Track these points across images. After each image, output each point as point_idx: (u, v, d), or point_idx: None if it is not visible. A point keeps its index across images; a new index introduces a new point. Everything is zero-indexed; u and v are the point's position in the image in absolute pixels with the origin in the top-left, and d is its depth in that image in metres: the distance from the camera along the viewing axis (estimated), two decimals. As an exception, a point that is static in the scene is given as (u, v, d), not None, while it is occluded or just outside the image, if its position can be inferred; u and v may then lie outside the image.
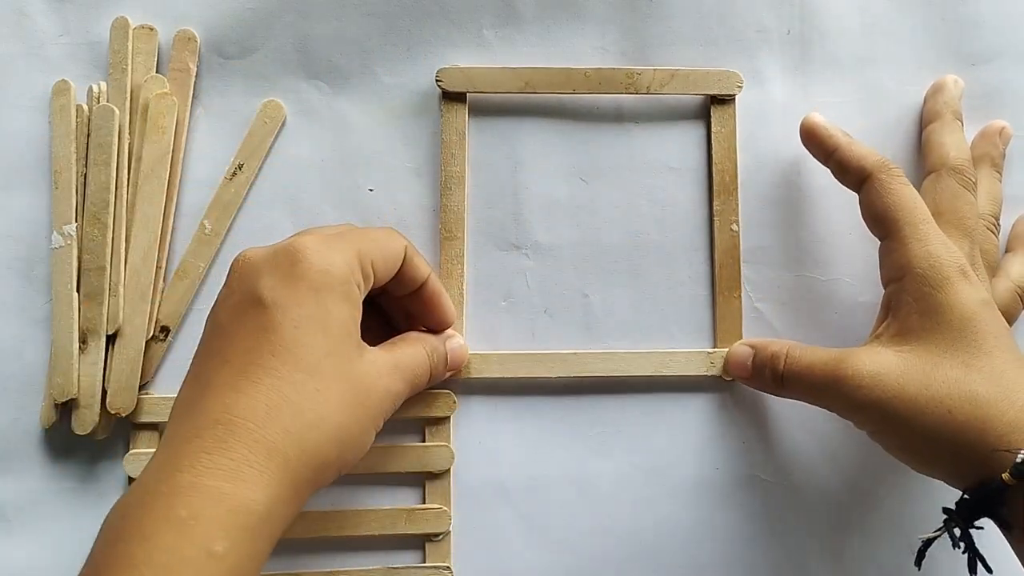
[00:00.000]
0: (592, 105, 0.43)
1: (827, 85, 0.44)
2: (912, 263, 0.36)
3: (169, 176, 0.41)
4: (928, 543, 0.35)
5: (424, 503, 0.41)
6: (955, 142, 0.41)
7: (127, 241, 0.40)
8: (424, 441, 0.41)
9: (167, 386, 0.41)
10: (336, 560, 0.40)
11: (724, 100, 0.43)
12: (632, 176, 0.43)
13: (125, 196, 0.41)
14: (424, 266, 0.38)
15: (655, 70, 0.42)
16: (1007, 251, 0.43)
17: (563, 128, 0.43)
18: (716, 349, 0.42)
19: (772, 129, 0.43)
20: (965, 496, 0.33)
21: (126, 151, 0.41)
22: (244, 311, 0.32)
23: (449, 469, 0.41)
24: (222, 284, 0.34)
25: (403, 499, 0.41)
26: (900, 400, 0.34)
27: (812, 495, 0.42)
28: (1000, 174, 0.42)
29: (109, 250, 0.40)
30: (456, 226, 0.42)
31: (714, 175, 0.43)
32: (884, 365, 0.35)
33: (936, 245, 0.36)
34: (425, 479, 0.41)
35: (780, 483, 0.42)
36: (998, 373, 0.34)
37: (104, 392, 0.40)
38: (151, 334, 0.41)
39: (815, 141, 0.40)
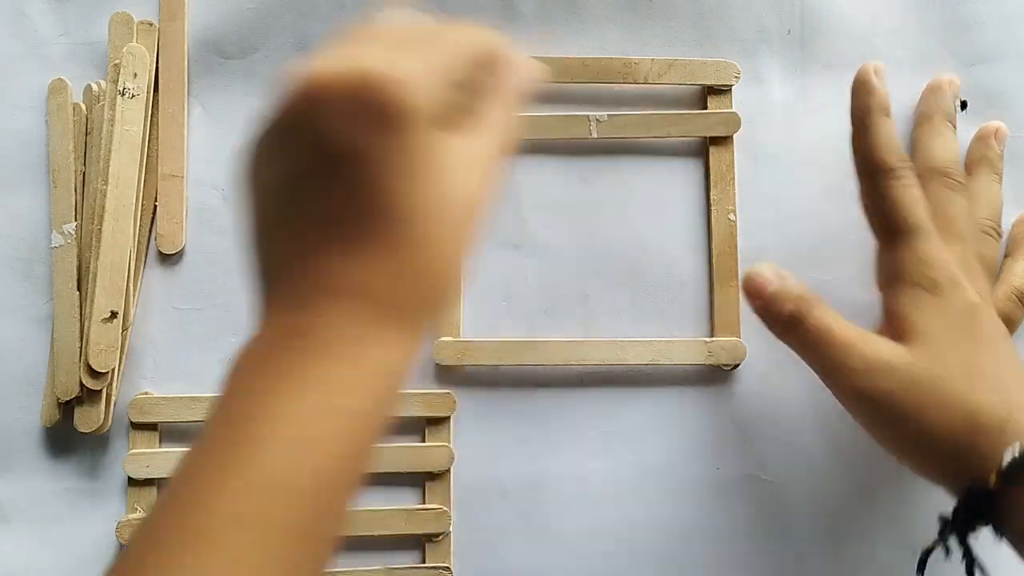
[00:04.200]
0: (589, 94, 0.43)
1: (827, 85, 0.44)
2: (905, 271, 0.36)
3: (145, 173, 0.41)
4: (928, 552, 0.35)
5: (424, 503, 0.41)
6: (941, 144, 0.40)
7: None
8: (424, 441, 0.41)
9: (166, 385, 0.41)
10: (336, 560, 0.40)
11: (721, 91, 0.43)
12: (631, 170, 0.43)
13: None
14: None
15: (652, 60, 0.43)
16: (1006, 255, 0.43)
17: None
18: (714, 339, 0.42)
19: (772, 129, 0.43)
20: (958, 505, 0.33)
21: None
22: (324, 159, 0.26)
23: (449, 469, 0.41)
24: (275, 108, 0.26)
25: (403, 499, 0.41)
26: (904, 393, 0.34)
27: (812, 495, 0.42)
28: (999, 175, 0.42)
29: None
30: None
31: (711, 165, 0.43)
32: (897, 357, 0.34)
33: (929, 252, 0.36)
34: (425, 479, 0.41)
35: (780, 483, 0.42)
36: (992, 375, 0.34)
37: (109, 388, 0.40)
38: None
39: (858, 99, 0.39)
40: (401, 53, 0.27)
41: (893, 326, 0.36)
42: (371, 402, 0.27)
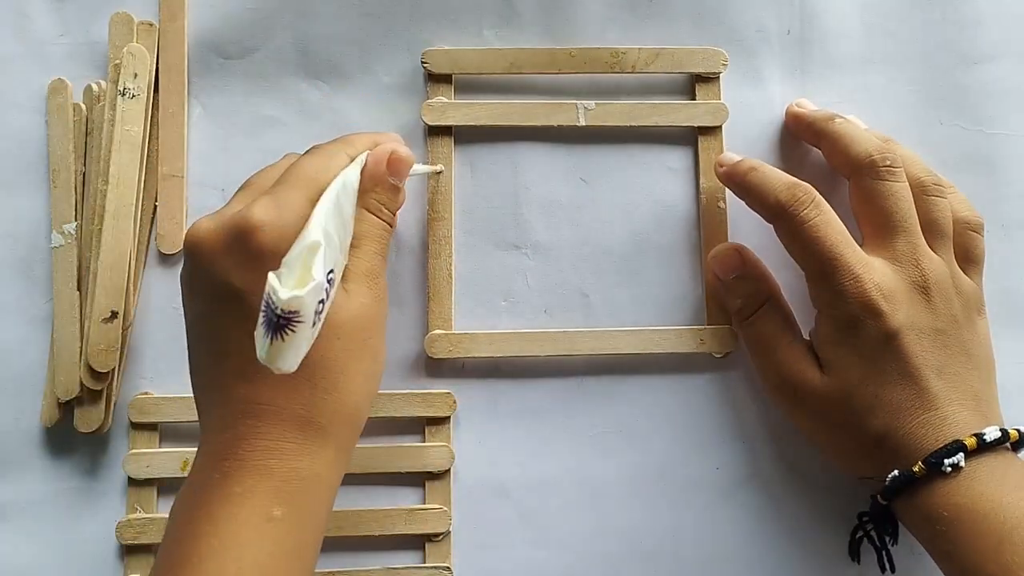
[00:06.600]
0: (582, 85, 0.43)
1: (827, 85, 0.44)
2: (823, 305, 0.37)
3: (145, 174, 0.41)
4: (856, 543, 0.40)
5: (424, 503, 0.41)
6: (860, 137, 0.39)
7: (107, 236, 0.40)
8: (424, 441, 0.41)
9: (166, 385, 0.41)
10: (336, 560, 0.40)
11: (709, 79, 0.43)
12: (622, 160, 0.43)
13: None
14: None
15: (640, 49, 0.43)
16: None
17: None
18: (706, 327, 0.42)
19: (771, 129, 0.43)
20: (866, 511, 0.39)
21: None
22: (220, 299, 0.32)
23: (449, 469, 0.41)
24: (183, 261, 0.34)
25: (403, 499, 0.41)
26: (813, 413, 0.38)
27: (813, 494, 0.42)
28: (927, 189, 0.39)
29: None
30: (444, 207, 0.42)
31: (700, 154, 0.43)
32: (812, 382, 0.38)
33: (844, 283, 0.36)
34: (425, 479, 0.41)
35: (780, 483, 0.42)
36: (898, 404, 0.36)
37: (109, 388, 0.40)
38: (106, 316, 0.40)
39: (728, 180, 0.40)
40: (270, 203, 0.32)
41: (818, 343, 0.38)
42: (289, 506, 0.31)
